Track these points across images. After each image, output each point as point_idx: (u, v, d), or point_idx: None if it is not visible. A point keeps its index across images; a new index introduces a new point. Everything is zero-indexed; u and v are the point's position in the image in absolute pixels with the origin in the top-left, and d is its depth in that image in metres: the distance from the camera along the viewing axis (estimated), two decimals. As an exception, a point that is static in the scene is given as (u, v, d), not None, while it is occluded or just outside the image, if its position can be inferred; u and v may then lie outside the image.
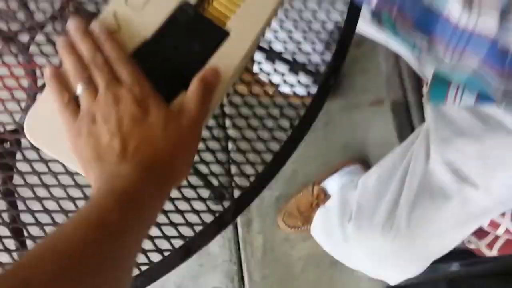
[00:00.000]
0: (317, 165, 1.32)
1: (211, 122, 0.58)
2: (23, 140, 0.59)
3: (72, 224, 0.36)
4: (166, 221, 0.55)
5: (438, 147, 0.78)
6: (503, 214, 0.81)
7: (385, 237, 0.80)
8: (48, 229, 0.56)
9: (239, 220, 1.31)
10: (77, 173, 0.48)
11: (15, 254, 0.55)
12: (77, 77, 0.43)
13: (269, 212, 1.32)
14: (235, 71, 0.48)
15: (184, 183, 0.58)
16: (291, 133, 0.57)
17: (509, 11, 0.46)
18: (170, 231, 0.55)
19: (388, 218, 0.81)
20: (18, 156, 0.58)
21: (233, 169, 0.58)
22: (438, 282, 1.12)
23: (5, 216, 0.57)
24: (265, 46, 0.62)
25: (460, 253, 0.95)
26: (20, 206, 0.57)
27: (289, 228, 1.28)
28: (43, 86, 0.57)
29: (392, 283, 0.91)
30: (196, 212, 0.56)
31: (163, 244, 0.55)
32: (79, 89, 0.43)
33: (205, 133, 0.55)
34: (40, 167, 0.57)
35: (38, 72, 0.61)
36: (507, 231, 0.81)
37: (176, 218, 0.56)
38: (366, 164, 1.31)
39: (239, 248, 1.30)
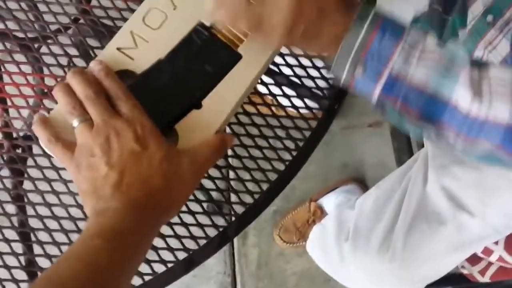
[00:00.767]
0: (315, 182, 1.34)
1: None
2: (34, 147, 0.60)
3: (65, 261, 0.37)
4: (171, 233, 0.57)
5: (436, 173, 0.80)
6: (496, 242, 0.83)
7: (382, 258, 0.81)
8: (56, 234, 0.57)
9: (235, 232, 1.32)
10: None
11: (22, 258, 0.57)
12: (70, 112, 0.42)
13: (266, 227, 1.33)
14: (245, 93, 0.50)
15: (190, 197, 0.60)
16: (296, 153, 0.59)
17: None
18: (174, 243, 0.57)
19: (384, 240, 0.83)
20: (30, 162, 0.59)
21: (238, 186, 0.59)
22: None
23: (14, 220, 0.58)
24: (275, 69, 0.64)
25: (453, 278, 0.96)
26: (29, 211, 0.58)
27: (285, 243, 1.29)
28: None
29: (386, 304, 0.92)
30: (201, 225, 0.58)
31: (167, 256, 0.56)
32: (74, 123, 0.42)
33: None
34: (50, 174, 0.59)
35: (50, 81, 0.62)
36: (500, 258, 0.83)
37: (181, 230, 0.57)
38: (363, 184, 1.33)
39: (233, 260, 1.31)
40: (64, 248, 0.56)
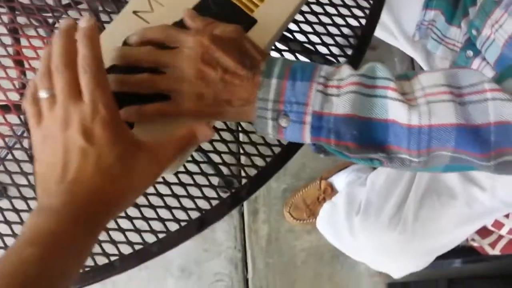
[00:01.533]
0: (326, 160, 1.35)
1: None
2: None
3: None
4: (185, 193, 0.58)
5: None
6: (507, 215, 0.83)
7: (391, 231, 0.82)
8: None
9: (246, 209, 1.34)
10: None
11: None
12: (39, 83, 0.40)
13: (276, 203, 1.34)
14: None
15: (204, 159, 0.61)
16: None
17: (460, 86, 0.42)
18: (188, 203, 0.58)
19: (395, 214, 0.84)
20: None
21: (250, 149, 0.60)
22: (438, 280, 1.13)
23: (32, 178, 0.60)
24: (289, 35, 0.64)
25: (463, 251, 0.96)
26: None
27: (295, 220, 1.30)
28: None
29: (395, 277, 0.93)
30: (214, 187, 0.59)
31: (181, 215, 0.57)
32: (40, 94, 0.40)
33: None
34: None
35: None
36: (510, 231, 0.83)
37: (194, 191, 0.58)
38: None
39: (244, 236, 1.33)
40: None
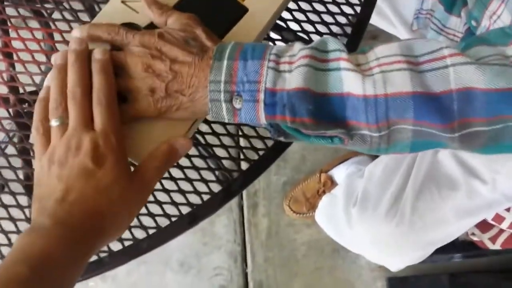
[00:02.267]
0: (326, 153, 1.33)
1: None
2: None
3: None
4: (175, 188, 0.57)
5: None
6: (508, 209, 0.81)
7: (389, 223, 0.81)
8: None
9: (245, 202, 1.33)
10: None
11: (26, 210, 0.57)
12: (53, 111, 0.42)
13: (276, 197, 1.33)
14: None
15: (195, 153, 0.60)
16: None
17: (417, 55, 0.40)
18: (178, 198, 0.57)
19: (393, 205, 0.82)
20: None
21: (243, 142, 0.59)
22: (439, 275, 1.12)
23: (20, 173, 0.59)
24: (282, 24, 0.62)
25: (462, 245, 0.95)
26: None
27: (295, 214, 1.29)
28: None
29: (393, 270, 0.92)
30: (205, 181, 0.57)
31: (171, 210, 0.56)
32: (52, 122, 0.42)
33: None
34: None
35: (58, 37, 0.62)
36: (511, 225, 0.81)
37: (185, 185, 0.57)
38: (373, 154, 1.31)
39: (244, 229, 1.32)
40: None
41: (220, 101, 0.42)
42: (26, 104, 0.60)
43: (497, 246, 0.86)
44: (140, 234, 0.55)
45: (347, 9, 0.62)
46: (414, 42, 0.41)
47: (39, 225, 0.38)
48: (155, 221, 0.56)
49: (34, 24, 0.63)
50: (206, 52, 0.43)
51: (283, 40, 0.62)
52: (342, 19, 0.62)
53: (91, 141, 0.40)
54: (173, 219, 0.55)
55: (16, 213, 0.57)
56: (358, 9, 0.61)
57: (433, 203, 0.79)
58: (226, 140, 0.59)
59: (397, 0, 0.83)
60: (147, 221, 0.56)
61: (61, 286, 0.37)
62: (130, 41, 0.44)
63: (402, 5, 0.82)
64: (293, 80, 0.40)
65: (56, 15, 0.62)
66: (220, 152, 0.59)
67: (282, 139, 0.43)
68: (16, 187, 0.58)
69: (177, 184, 0.57)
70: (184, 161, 0.57)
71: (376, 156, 1.30)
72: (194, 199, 0.56)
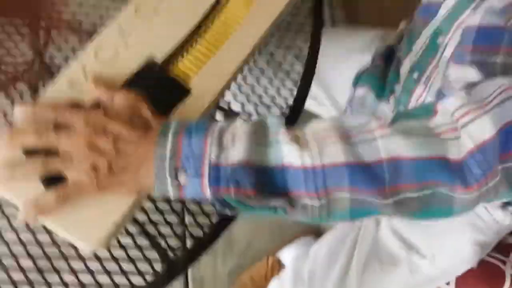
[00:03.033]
0: (272, 237, 1.33)
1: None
2: None
3: None
4: (117, 269, 0.55)
5: (391, 223, 0.82)
6: (448, 282, 0.84)
7: (337, 302, 0.80)
8: None
9: (191, 292, 1.28)
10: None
11: None
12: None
13: (223, 285, 1.29)
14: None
15: (137, 231, 0.59)
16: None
17: (348, 129, 0.43)
18: (121, 279, 0.54)
19: (339, 284, 0.83)
20: None
21: (188, 219, 0.59)
22: None
23: None
24: (225, 106, 0.66)
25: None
26: None
27: (243, 301, 1.25)
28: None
29: None
30: (148, 260, 0.56)
31: (112, 293, 0.54)
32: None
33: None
34: None
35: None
36: (451, 298, 0.84)
37: (128, 267, 0.55)
38: (320, 235, 1.33)
39: (190, 321, 1.26)
40: None
41: (166, 177, 0.42)
42: None
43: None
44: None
45: (285, 93, 0.66)
46: (345, 117, 0.46)
47: None
48: (95, 306, 0.53)
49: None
50: (151, 129, 0.45)
51: (226, 117, 0.65)
52: (282, 101, 0.66)
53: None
54: (115, 302, 0.53)
55: None
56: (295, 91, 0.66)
57: (378, 279, 0.80)
58: (171, 218, 0.59)
59: (332, 87, 0.89)
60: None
61: None
62: (75, 121, 0.45)
63: (336, 92, 0.89)
64: (236, 154, 0.42)
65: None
66: (165, 230, 0.58)
67: (227, 212, 0.44)
68: None
69: (119, 265, 0.55)
70: (127, 241, 0.56)
71: (325, 232, 1.32)
72: (137, 280, 0.54)
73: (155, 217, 0.59)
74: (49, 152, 0.44)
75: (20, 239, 0.55)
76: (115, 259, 0.55)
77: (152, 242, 0.57)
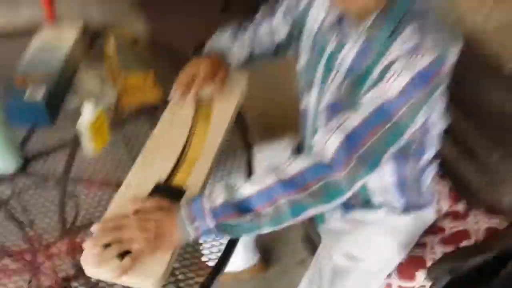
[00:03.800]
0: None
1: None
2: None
3: None
4: None
5: (337, 249, 1.07)
6: (389, 274, 1.05)
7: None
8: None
9: None
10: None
11: None
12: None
13: None
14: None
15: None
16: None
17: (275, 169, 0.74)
18: None
19: None
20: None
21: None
22: None
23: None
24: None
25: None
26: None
27: None
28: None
29: None
30: None
31: None
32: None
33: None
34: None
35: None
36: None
37: None
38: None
39: None
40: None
41: (186, 228, 0.72)
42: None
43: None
44: None
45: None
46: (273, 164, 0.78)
47: None
48: None
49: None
50: (170, 211, 0.75)
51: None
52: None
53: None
54: None
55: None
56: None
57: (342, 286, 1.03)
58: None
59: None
60: None
61: None
62: (126, 222, 0.74)
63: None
64: (218, 200, 0.73)
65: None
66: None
67: (227, 236, 0.74)
68: None
69: None
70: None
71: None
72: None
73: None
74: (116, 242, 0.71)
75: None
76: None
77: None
